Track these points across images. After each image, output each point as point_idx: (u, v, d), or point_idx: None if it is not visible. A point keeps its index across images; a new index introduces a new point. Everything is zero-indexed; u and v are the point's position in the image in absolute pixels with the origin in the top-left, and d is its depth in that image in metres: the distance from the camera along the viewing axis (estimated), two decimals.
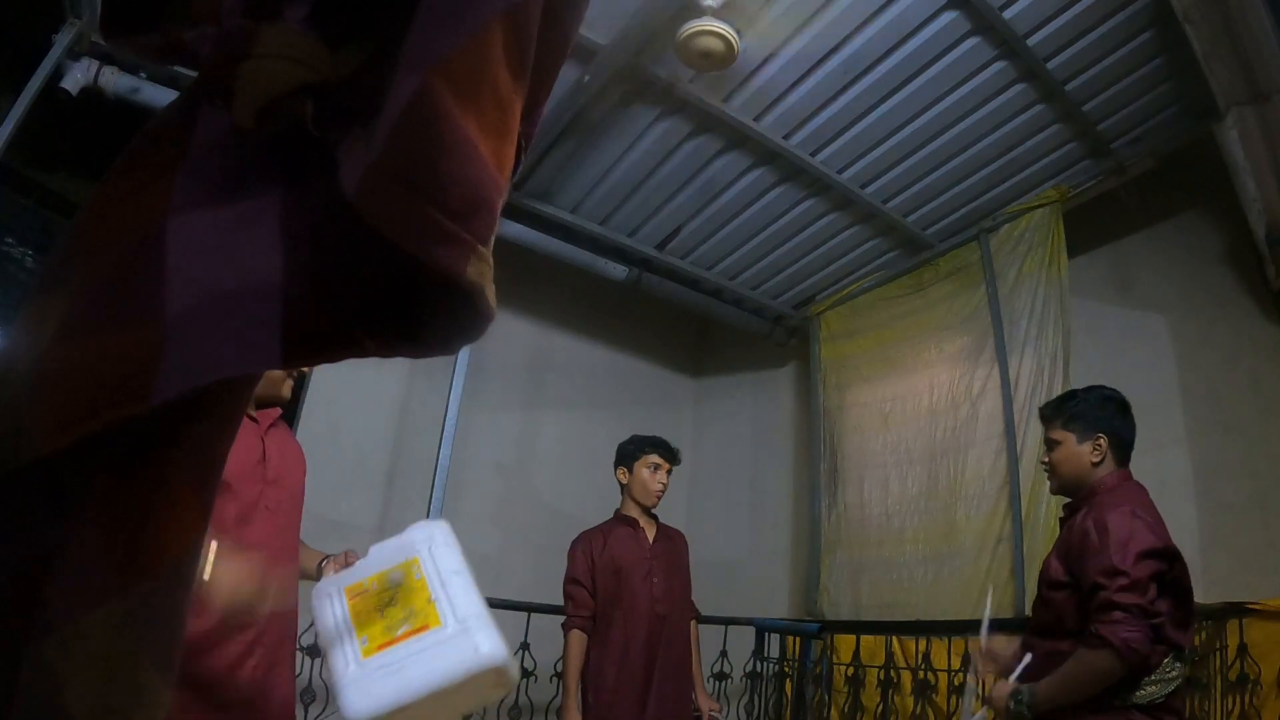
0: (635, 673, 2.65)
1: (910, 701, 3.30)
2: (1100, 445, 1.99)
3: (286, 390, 1.79)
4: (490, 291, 0.51)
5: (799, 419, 4.93)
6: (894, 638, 3.45)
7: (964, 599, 3.47)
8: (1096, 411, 2.03)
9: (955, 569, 3.58)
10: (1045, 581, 1.99)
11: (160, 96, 3.03)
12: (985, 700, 1.98)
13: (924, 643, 3.28)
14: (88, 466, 0.48)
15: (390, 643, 1.35)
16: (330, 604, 1.45)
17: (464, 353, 3.75)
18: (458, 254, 0.48)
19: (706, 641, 3.49)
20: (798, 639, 3.67)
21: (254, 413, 1.72)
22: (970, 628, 3.19)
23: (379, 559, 1.54)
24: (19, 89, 2.80)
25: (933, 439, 3.88)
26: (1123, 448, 2.02)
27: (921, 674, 3.25)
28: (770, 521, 4.87)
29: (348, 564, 1.67)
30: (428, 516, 3.52)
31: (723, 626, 3.82)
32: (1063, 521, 2.08)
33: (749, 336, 5.03)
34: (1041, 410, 2.18)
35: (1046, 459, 2.10)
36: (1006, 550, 3.40)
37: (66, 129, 3.24)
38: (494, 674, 1.34)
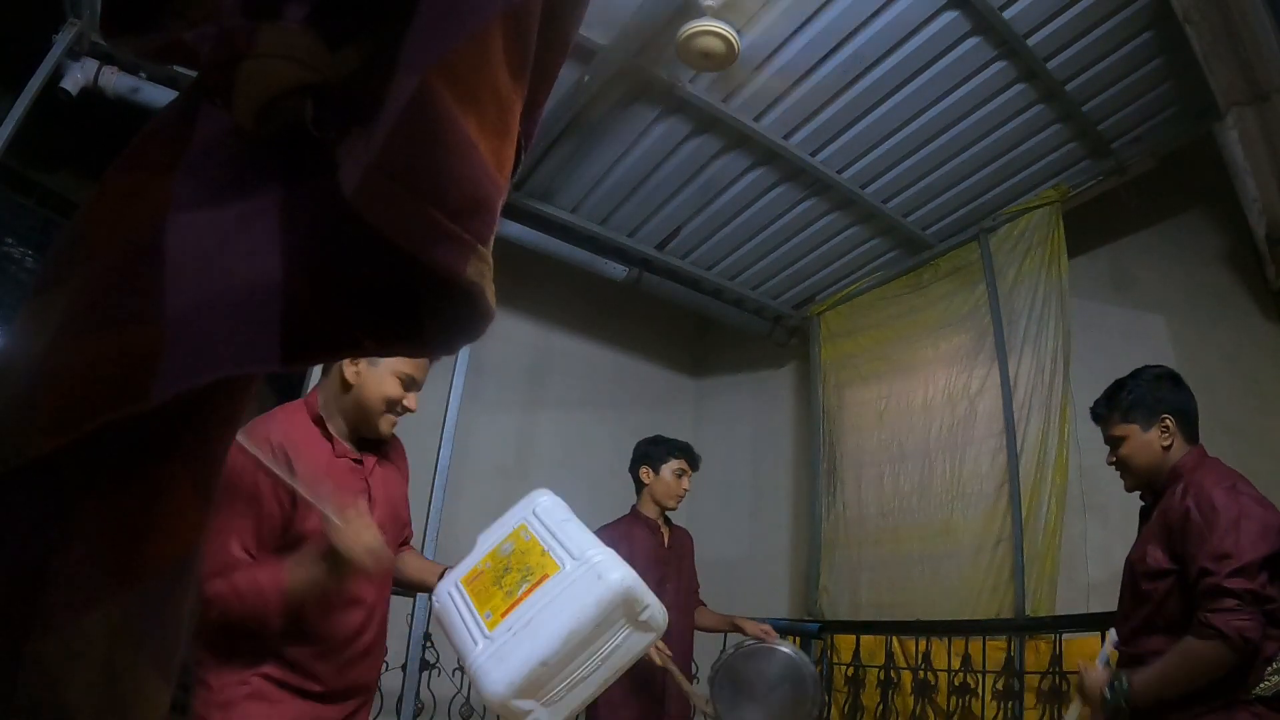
0: (647, 674, 2.63)
1: (910, 701, 3.30)
2: (1168, 426, 1.89)
3: (387, 426, 1.65)
4: (490, 291, 0.51)
5: (799, 419, 4.93)
6: (894, 638, 3.45)
7: (963, 599, 3.47)
8: (1154, 393, 1.92)
9: (954, 569, 3.59)
10: (1142, 574, 1.84)
11: (160, 96, 3.03)
12: (1078, 690, 1.84)
13: (924, 643, 3.28)
14: (88, 466, 0.48)
15: (513, 606, 1.27)
16: (453, 601, 1.40)
17: (464, 353, 3.75)
18: (457, 254, 0.48)
19: (708, 641, 3.51)
20: (797, 639, 3.67)
21: (356, 455, 1.61)
22: (970, 628, 3.21)
23: (486, 543, 1.49)
24: (19, 89, 2.80)
25: (931, 439, 3.89)
26: (1189, 423, 1.91)
27: (921, 674, 3.25)
28: (770, 521, 4.87)
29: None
30: (427, 517, 3.52)
31: None
32: (1145, 511, 1.96)
33: (749, 336, 5.03)
34: (1094, 411, 2.06)
35: (1113, 459, 1.98)
36: (1006, 550, 3.40)
37: (66, 129, 3.24)
38: (626, 604, 1.27)
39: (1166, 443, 1.89)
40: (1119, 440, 1.96)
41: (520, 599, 1.27)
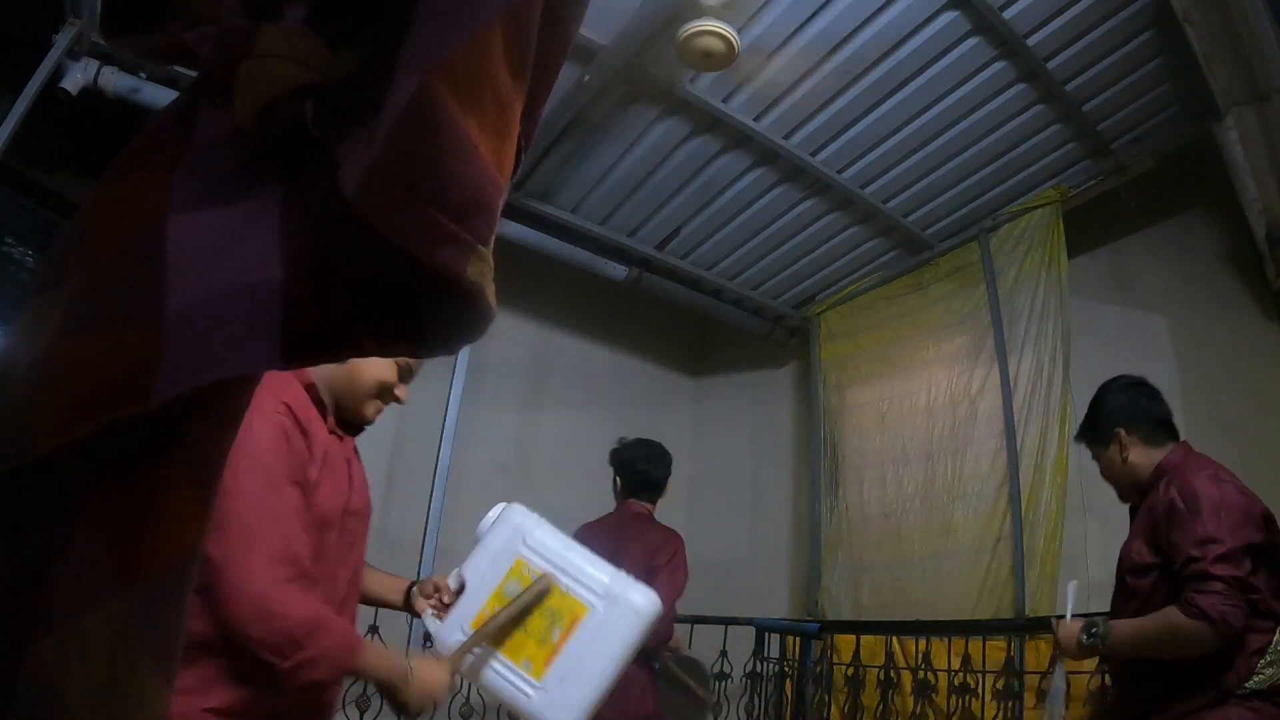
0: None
1: (910, 701, 3.29)
2: (1120, 439, 1.94)
3: (372, 413, 1.51)
4: (490, 291, 0.51)
5: (799, 419, 4.93)
6: (894, 638, 3.45)
7: (964, 599, 3.47)
8: (1105, 411, 1.99)
9: (955, 569, 3.59)
10: (1129, 569, 1.86)
11: (160, 96, 3.03)
12: (1055, 645, 1.88)
13: (924, 643, 3.28)
14: (88, 466, 0.48)
15: (553, 653, 1.35)
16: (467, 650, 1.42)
17: (464, 353, 3.76)
18: (458, 254, 0.48)
19: (707, 641, 3.50)
20: (798, 639, 3.67)
21: (340, 433, 1.48)
22: (970, 628, 3.21)
23: (482, 582, 1.47)
24: (19, 89, 2.80)
25: (931, 438, 3.89)
26: (1146, 426, 1.94)
27: (921, 674, 3.25)
28: (770, 521, 4.87)
29: (439, 594, 1.58)
30: (427, 517, 3.52)
31: (723, 626, 3.82)
32: (1133, 511, 1.99)
33: (749, 336, 5.03)
34: (1075, 441, 2.15)
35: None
36: (1006, 550, 3.40)
37: (66, 129, 3.24)
38: (651, 623, 1.40)
39: (1124, 455, 1.93)
40: (1097, 462, 2.04)
41: (559, 645, 1.35)
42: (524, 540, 1.47)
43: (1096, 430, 1.99)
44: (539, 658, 1.35)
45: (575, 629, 1.35)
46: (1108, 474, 2.00)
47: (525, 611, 1.40)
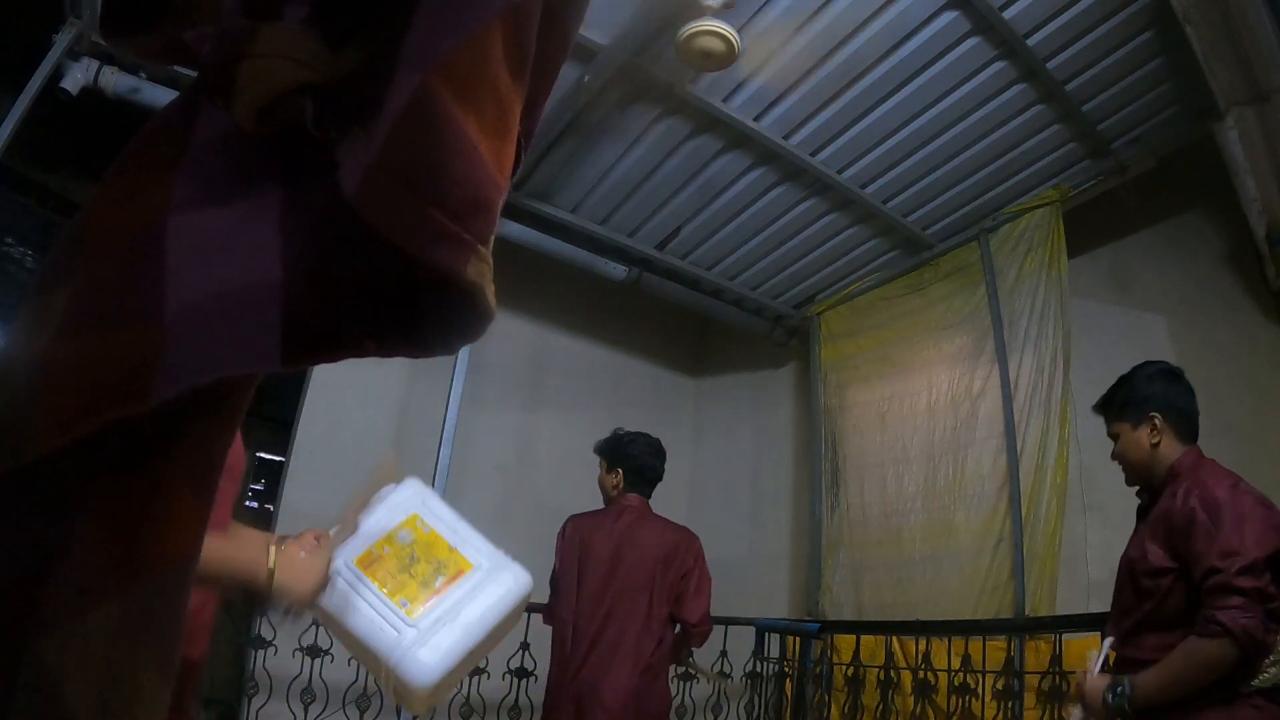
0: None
1: (910, 701, 3.29)
2: (1155, 424, 1.92)
3: None
4: (490, 291, 0.51)
5: (799, 419, 4.93)
6: (894, 638, 3.45)
7: (964, 599, 3.48)
8: (1144, 392, 1.96)
9: (955, 569, 3.59)
10: (1143, 571, 1.84)
11: (160, 96, 3.03)
12: (1079, 701, 1.84)
13: (924, 643, 3.28)
14: (88, 466, 0.48)
15: (432, 596, 1.38)
16: (345, 582, 1.39)
17: (464, 353, 3.76)
18: (458, 254, 0.48)
19: (708, 640, 3.49)
20: (798, 639, 3.67)
21: None
22: (970, 628, 3.21)
23: (374, 526, 1.49)
24: (19, 89, 2.80)
25: (932, 439, 3.89)
26: (1182, 420, 1.93)
27: (921, 674, 3.25)
28: (770, 521, 4.87)
29: (319, 543, 1.46)
30: None
31: (723, 626, 3.81)
32: (1142, 509, 1.99)
33: (749, 336, 5.04)
34: (1094, 409, 2.11)
35: (1114, 455, 2.04)
36: (1006, 550, 3.40)
37: (66, 129, 3.24)
38: (525, 599, 1.46)
39: (1155, 440, 1.92)
40: (1115, 437, 2.01)
41: (440, 590, 1.39)
42: (422, 502, 1.54)
43: (1130, 407, 1.96)
44: (418, 599, 1.36)
45: (459, 580, 1.41)
46: (1127, 454, 1.97)
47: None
